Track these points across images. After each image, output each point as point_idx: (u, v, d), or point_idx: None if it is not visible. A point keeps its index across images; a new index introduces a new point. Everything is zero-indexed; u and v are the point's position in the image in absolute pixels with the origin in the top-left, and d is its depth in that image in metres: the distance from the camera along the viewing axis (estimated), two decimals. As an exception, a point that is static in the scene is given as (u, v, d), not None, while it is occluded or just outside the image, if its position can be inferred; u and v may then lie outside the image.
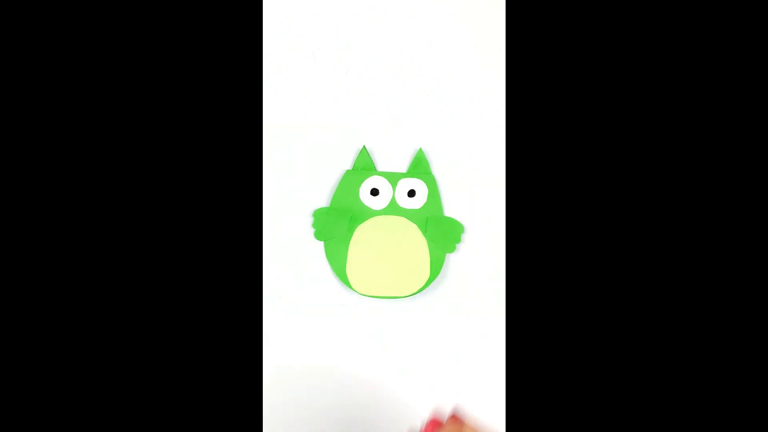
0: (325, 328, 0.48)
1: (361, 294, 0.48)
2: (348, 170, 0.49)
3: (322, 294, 0.48)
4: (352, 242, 0.48)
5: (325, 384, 0.48)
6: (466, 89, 0.50)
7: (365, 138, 0.49)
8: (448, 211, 0.50)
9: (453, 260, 0.49)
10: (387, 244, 0.48)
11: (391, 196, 0.49)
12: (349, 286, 0.48)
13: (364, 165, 0.49)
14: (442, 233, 0.49)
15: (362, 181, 0.49)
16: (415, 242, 0.49)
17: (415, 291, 0.48)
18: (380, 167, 0.49)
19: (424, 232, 0.49)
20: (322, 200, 0.49)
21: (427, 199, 0.49)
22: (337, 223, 0.48)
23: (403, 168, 0.49)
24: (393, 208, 0.49)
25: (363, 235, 0.48)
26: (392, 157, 0.50)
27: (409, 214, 0.49)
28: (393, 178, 0.49)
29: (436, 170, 0.50)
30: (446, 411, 0.35)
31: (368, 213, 0.48)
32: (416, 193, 0.49)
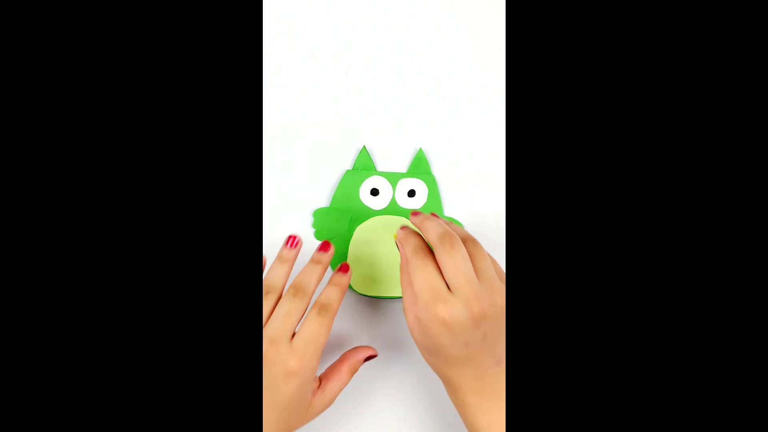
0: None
1: (361, 294, 0.48)
2: (348, 170, 0.49)
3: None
4: (352, 242, 0.48)
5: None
6: (466, 89, 0.50)
7: (365, 138, 0.50)
8: (448, 211, 0.50)
9: (453, 260, 0.49)
10: (387, 244, 0.48)
11: (391, 196, 0.49)
12: (349, 286, 0.48)
13: (364, 165, 0.49)
14: (442, 233, 0.49)
15: (362, 181, 0.49)
16: (415, 242, 0.48)
17: (414, 291, 0.48)
18: (380, 167, 0.49)
19: (424, 232, 0.49)
20: (322, 200, 0.49)
21: (427, 199, 0.49)
22: (337, 222, 0.48)
23: (403, 168, 0.49)
24: (393, 208, 0.49)
25: (363, 235, 0.48)
26: (392, 157, 0.50)
27: (409, 214, 0.49)
28: (393, 178, 0.49)
29: (436, 170, 0.50)
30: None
31: (368, 213, 0.49)
32: (416, 193, 0.49)
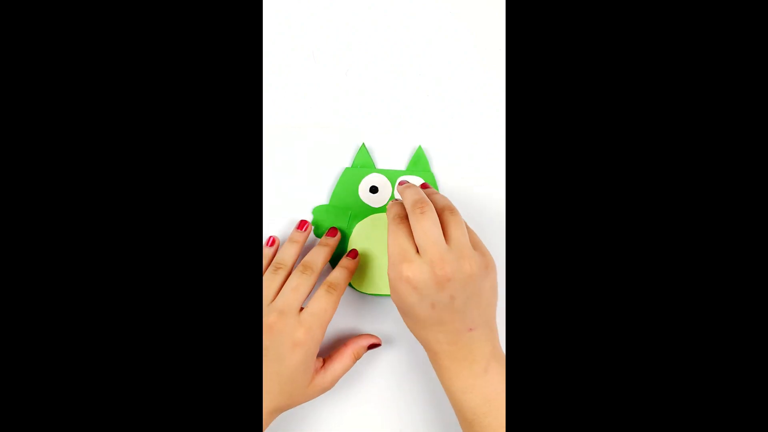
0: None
1: (360, 291, 0.48)
2: (347, 167, 0.49)
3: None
4: (351, 239, 0.48)
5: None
6: (466, 89, 0.50)
7: (365, 138, 0.50)
8: (448, 210, 0.49)
9: (453, 260, 0.49)
10: (386, 242, 0.48)
11: (390, 194, 0.49)
12: (349, 284, 0.48)
13: (363, 162, 0.49)
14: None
15: (361, 178, 0.49)
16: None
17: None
18: (380, 165, 0.49)
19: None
20: (322, 200, 0.49)
21: (427, 199, 0.49)
22: (336, 220, 0.48)
23: (402, 166, 0.49)
24: (392, 207, 0.49)
25: (362, 233, 0.48)
26: (392, 156, 0.50)
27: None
28: (392, 175, 0.49)
29: (436, 170, 0.50)
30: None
31: (367, 210, 0.49)
32: (416, 192, 0.49)
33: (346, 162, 0.49)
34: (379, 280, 0.47)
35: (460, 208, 0.49)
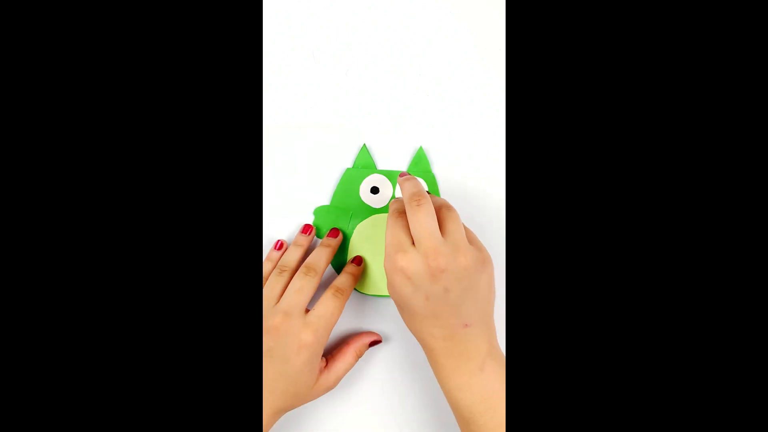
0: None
1: (361, 292, 0.48)
2: (348, 168, 0.49)
3: (322, 292, 0.48)
4: (352, 240, 0.48)
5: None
6: (466, 89, 0.50)
7: (365, 138, 0.50)
8: (448, 210, 0.49)
9: (453, 260, 0.49)
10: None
11: (391, 194, 0.49)
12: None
13: (364, 163, 0.49)
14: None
15: (362, 179, 0.49)
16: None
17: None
18: (380, 166, 0.49)
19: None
20: (322, 200, 0.49)
21: (427, 199, 0.49)
22: (337, 220, 0.48)
23: (403, 166, 0.49)
24: (393, 208, 0.49)
25: (363, 233, 0.48)
26: (392, 156, 0.50)
27: None
28: (393, 176, 0.49)
29: (437, 170, 0.50)
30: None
31: (368, 211, 0.49)
32: (416, 192, 0.49)
33: (347, 162, 0.49)
34: (380, 281, 0.47)
35: (460, 207, 0.49)
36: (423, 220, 0.38)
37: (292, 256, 0.46)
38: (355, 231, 0.48)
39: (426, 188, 0.49)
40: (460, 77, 0.50)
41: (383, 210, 0.49)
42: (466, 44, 0.51)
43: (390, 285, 0.39)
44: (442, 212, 0.40)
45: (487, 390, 0.38)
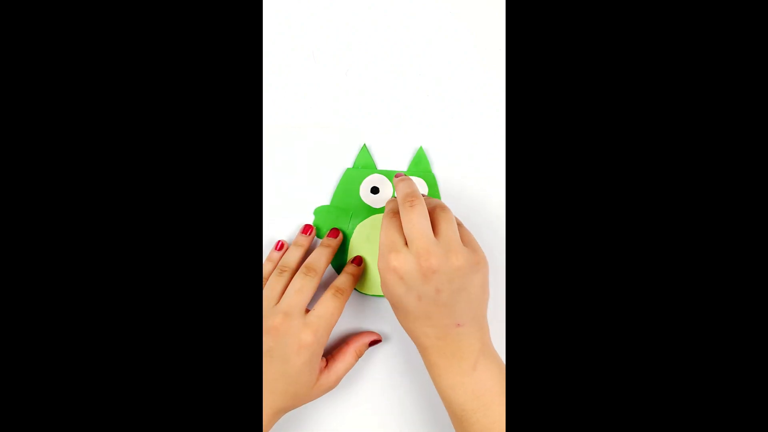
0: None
1: (361, 292, 0.48)
2: (348, 168, 0.49)
3: (322, 292, 0.48)
4: (352, 240, 0.48)
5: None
6: (466, 89, 0.50)
7: (365, 138, 0.50)
8: (448, 210, 0.49)
9: (453, 260, 0.49)
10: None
11: (391, 194, 0.49)
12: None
13: (364, 163, 0.49)
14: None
15: (363, 179, 0.49)
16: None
17: (415, 290, 0.48)
18: (381, 166, 0.49)
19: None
20: (323, 200, 0.49)
21: (427, 198, 0.49)
22: (337, 220, 0.48)
23: (403, 167, 0.49)
24: (393, 208, 0.49)
25: (363, 233, 0.48)
26: (392, 156, 0.50)
27: None
28: (393, 176, 0.49)
29: (437, 170, 0.50)
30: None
31: (369, 211, 0.49)
32: (416, 192, 0.49)
33: (347, 162, 0.49)
34: (379, 281, 0.47)
35: (460, 207, 0.49)
36: (416, 220, 0.38)
37: (293, 256, 0.46)
38: (355, 231, 0.48)
39: (426, 189, 0.49)
40: (460, 77, 0.50)
41: (383, 210, 0.49)
42: (466, 44, 0.51)
43: (383, 284, 0.40)
44: (436, 213, 0.40)
45: (480, 388, 0.38)
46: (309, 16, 0.50)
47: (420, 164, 0.49)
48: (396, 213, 0.41)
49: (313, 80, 0.50)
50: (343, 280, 0.45)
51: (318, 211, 0.49)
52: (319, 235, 0.48)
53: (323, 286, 0.45)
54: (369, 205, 0.49)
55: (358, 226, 0.48)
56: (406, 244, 0.38)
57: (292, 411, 0.44)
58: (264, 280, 0.45)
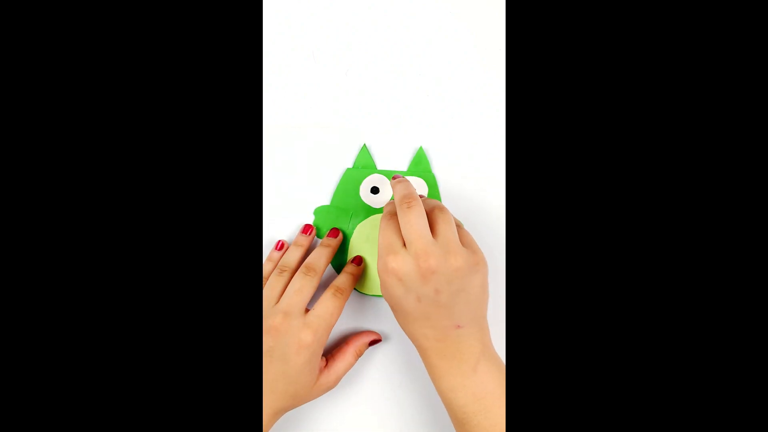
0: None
1: (361, 292, 0.48)
2: (348, 168, 0.49)
3: (322, 292, 0.48)
4: (352, 240, 0.48)
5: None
6: (466, 89, 0.50)
7: (365, 138, 0.50)
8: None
9: (453, 260, 0.49)
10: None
11: (391, 194, 0.49)
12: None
13: (364, 163, 0.49)
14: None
15: (362, 179, 0.49)
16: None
17: (415, 290, 0.48)
18: (381, 166, 0.49)
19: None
20: (323, 200, 0.49)
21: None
22: (338, 220, 0.48)
23: (403, 167, 0.49)
24: (393, 208, 0.49)
25: (363, 233, 0.48)
26: (392, 157, 0.50)
27: None
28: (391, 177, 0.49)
29: (437, 170, 0.50)
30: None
31: (369, 211, 0.49)
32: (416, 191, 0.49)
33: (347, 162, 0.49)
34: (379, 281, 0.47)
35: (460, 208, 0.49)
36: (413, 221, 0.38)
37: (293, 256, 0.46)
38: (355, 231, 0.48)
39: (426, 189, 0.49)
40: (460, 77, 0.50)
41: (383, 210, 0.49)
42: (466, 44, 0.51)
43: (382, 286, 0.40)
44: (434, 214, 0.40)
45: (481, 390, 0.38)
46: (309, 16, 0.50)
47: (420, 164, 0.49)
48: (393, 215, 0.41)
49: (313, 80, 0.50)
50: (343, 279, 0.45)
51: (318, 211, 0.49)
52: (319, 235, 0.48)
53: (323, 286, 0.45)
54: (369, 205, 0.49)
55: (358, 226, 0.48)
56: (405, 245, 0.38)
57: (292, 411, 0.44)
58: (264, 279, 0.45)
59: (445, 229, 0.39)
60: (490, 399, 0.38)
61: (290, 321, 0.41)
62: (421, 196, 0.44)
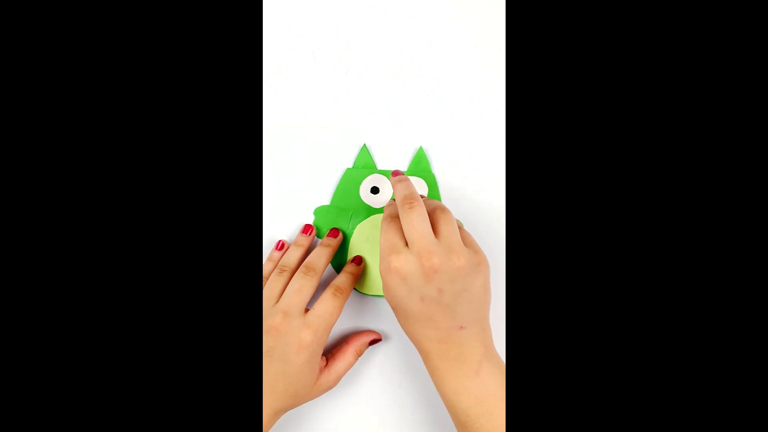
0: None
1: (361, 292, 0.48)
2: (348, 168, 0.49)
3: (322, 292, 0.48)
4: (352, 240, 0.48)
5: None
6: (466, 89, 0.50)
7: (365, 138, 0.50)
8: (448, 210, 0.49)
9: (453, 260, 0.49)
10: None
11: (391, 194, 0.49)
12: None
13: (364, 163, 0.49)
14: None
15: (362, 179, 0.49)
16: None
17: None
18: (381, 166, 0.49)
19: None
20: (323, 200, 0.49)
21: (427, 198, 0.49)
22: (338, 220, 0.48)
23: (403, 167, 0.49)
24: (393, 208, 0.49)
25: (363, 233, 0.48)
26: (392, 157, 0.50)
27: None
28: (391, 173, 0.49)
29: (437, 170, 0.50)
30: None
31: (369, 211, 0.49)
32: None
33: (347, 162, 0.49)
34: (380, 282, 0.47)
35: (460, 208, 0.49)
36: (415, 221, 0.38)
37: (293, 256, 0.46)
38: (355, 231, 0.48)
39: (426, 189, 0.49)
40: (460, 77, 0.50)
41: (383, 210, 0.49)
42: (466, 44, 0.51)
43: (385, 287, 0.40)
44: (435, 214, 0.40)
45: (484, 393, 0.38)
46: (309, 16, 0.50)
47: (420, 164, 0.49)
48: (395, 217, 0.41)
49: (313, 80, 0.50)
50: (343, 279, 0.45)
51: (318, 211, 0.49)
52: (319, 235, 0.48)
53: (323, 286, 0.45)
54: (369, 205, 0.49)
55: (358, 226, 0.48)
56: (407, 246, 0.38)
57: (292, 410, 0.44)
58: (264, 279, 0.45)
59: (447, 229, 0.39)
60: (492, 401, 0.38)
61: (290, 321, 0.41)
62: (421, 197, 0.44)
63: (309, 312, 0.42)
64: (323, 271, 0.45)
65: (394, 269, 0.38)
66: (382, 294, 0.47)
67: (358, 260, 0.47)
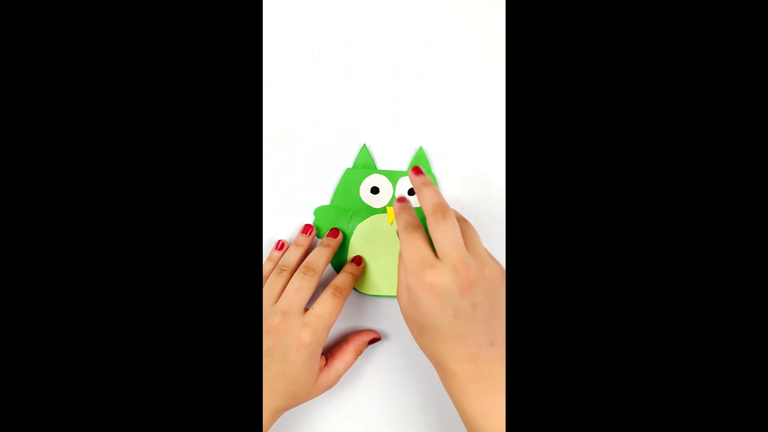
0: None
1: (360, 292, 0.48)
2: (348, 168, 0.49)
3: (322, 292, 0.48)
4: (352, 240, 0.48)
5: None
6: (466, 89, 0.50)
7: (365, 138, 0.50)
8: (448, 210, 0.49)
9: (453, 260, 0.49)
10: (387, 243, 0.48)
11: (391, 195, 0.49)
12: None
13: (364, 163, 0.49)
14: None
15: (362, 179, 0.49)
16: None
17: (415, 290, 0.48)
18: (381, 166, 0.49)
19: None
20: (323, 200, 0.49)
21: (427, 199, 0.49)
22: (338, 220, 0.48)
23: (403, 167, 0.50)
24: (393, 208, 0.49)
25: (363, 233, 0.48)
26: (392, 156, 0.50)
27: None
28: (393, 176, 0.49)
29: (437, 170, 0.50)
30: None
31: (368, 211, 0.49)
32: (416, 192, 0.49)
33: (347, 162, 0.49)
34: (380, 282, 0.47)
35: (461, 208, 0.49)
36: (450, 232, 0.36)
37: (292, 256, 0.46)
38: (355, 231, 0.48)
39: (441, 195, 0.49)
40: (460, 77, 0.50)
41: (383, 210, 0.49)
42: (466, 44, 0.51)
43: (414, 304, 0.37)
44: (460, 225, 0.38)
45: None
46: (309, 16, 0.50)
47: (420, 164, 0.49)
48: (416, 227, 0.39)
49: (313, 80, 0.50)
50: (343, 279, 0.45)
51: (318, 211, 0.49)
52: (319, 235, 0.48)
53: (323, 286, 0.45)
54: (369, 205, 0.49)
55: (358, 226, 0.48)
56: (436, 257, 0.36)
57: (292, 410, 0.44)
58: (264, 279, 0.45)
59: (476, 240, 0.38)
60: None
61: (289, 320, 0.41)
62: (418, 171, 0.42)
63: (308, 312, 0.42)
64: (323, 271, 0.44)
65: (428, 285, 0.36)
66: (382, 294, 0.47)
67: (358, 260, 0.47)
